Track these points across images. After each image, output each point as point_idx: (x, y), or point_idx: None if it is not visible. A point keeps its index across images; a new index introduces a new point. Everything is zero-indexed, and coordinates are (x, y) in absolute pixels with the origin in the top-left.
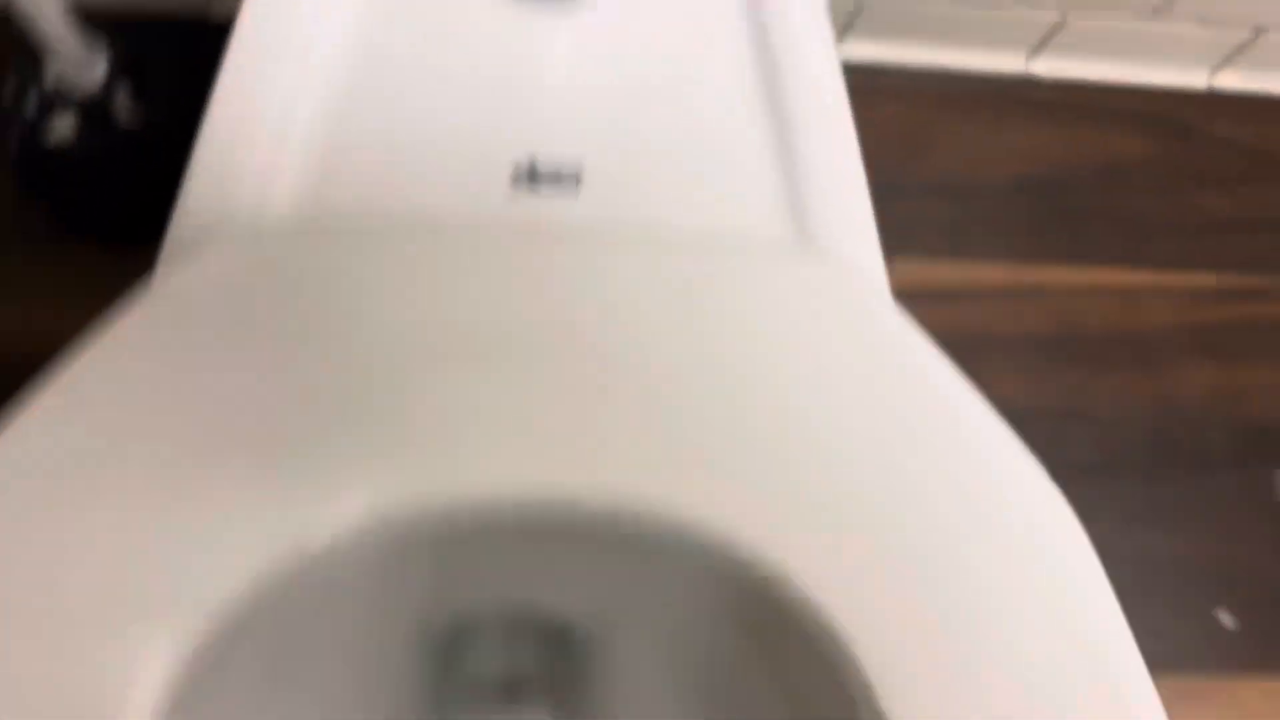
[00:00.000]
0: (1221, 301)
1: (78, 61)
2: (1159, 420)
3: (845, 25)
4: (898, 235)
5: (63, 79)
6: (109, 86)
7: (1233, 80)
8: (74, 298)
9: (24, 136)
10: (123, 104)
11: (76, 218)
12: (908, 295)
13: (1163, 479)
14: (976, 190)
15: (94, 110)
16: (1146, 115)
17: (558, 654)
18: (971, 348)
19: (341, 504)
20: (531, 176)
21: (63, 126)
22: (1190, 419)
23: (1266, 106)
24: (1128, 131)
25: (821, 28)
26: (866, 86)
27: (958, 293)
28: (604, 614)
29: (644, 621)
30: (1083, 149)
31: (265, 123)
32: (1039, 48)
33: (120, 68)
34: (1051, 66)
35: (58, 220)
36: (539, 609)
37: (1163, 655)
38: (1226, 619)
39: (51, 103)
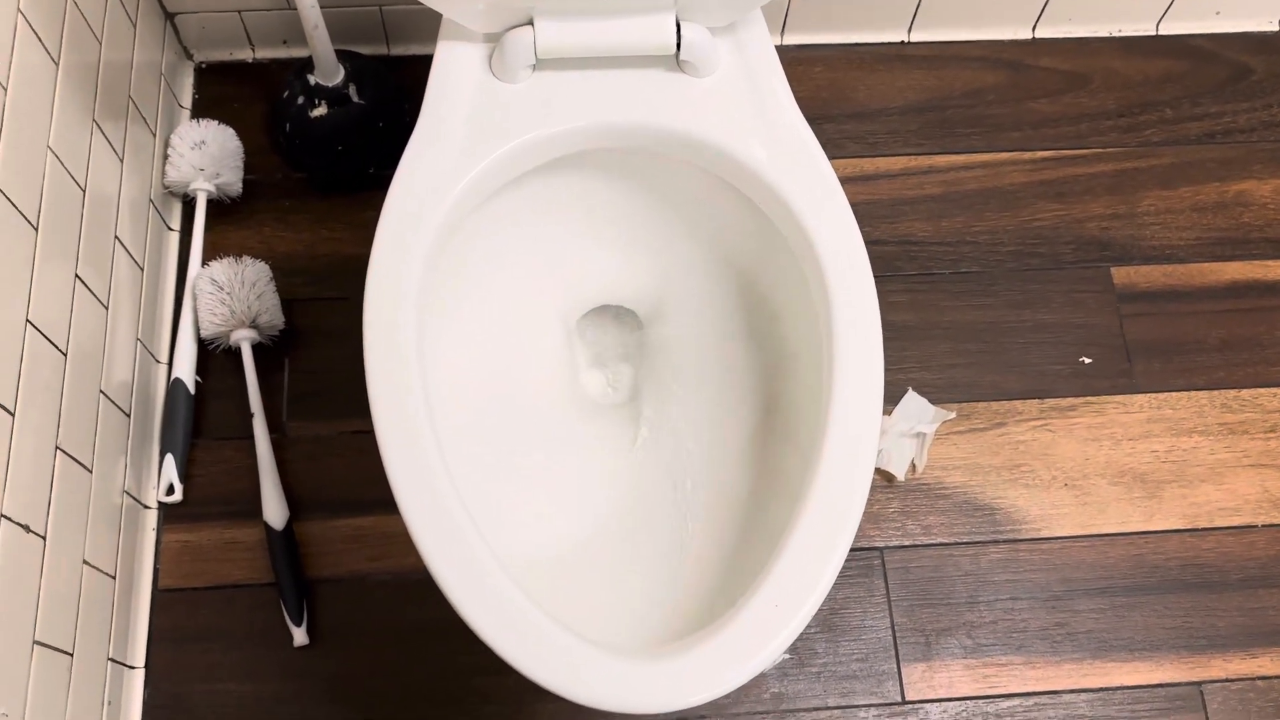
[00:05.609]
0: (1059, 165)
1: (330, 73)
2: (1023, 242)
3: (781, 24)
4: (834, 147)
5: (319, 84)
6: (344, 86)
7: (1045, 31)
8: (330, 227)
9: (295, 117)
10: (352, 95)
11: (322, 180)
12: (845, 180)
13: (1032, 278)
14: (881, 114)
15: (336, 99)
16: (991, 58)
17: (630, 332)
18: (889, 207)
19: None
20: None
21: (319, 109)
22: (1045, 239)
23: (1071, 45)
24: (980, 69)
25: None
26: (802, 59)
27: (877, 176)
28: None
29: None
30: (950, 83)
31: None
32: (911, 23)
33: (349, 77)
34: (922, 35)
35: (310, 184)
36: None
37: (1050, 387)
38: (1086, 360)
39: (312, 96)
